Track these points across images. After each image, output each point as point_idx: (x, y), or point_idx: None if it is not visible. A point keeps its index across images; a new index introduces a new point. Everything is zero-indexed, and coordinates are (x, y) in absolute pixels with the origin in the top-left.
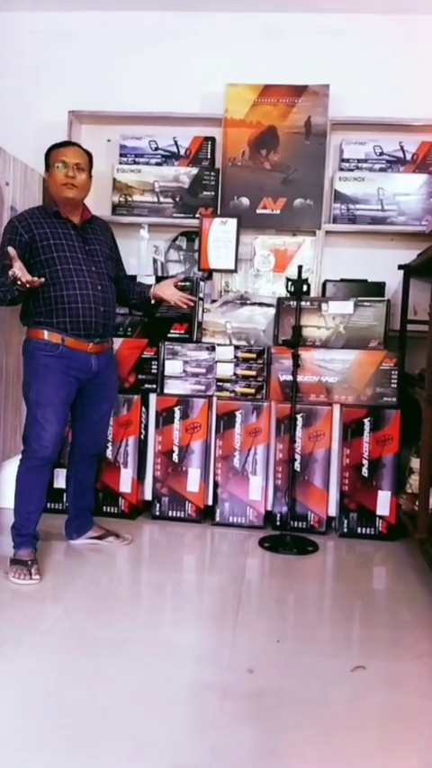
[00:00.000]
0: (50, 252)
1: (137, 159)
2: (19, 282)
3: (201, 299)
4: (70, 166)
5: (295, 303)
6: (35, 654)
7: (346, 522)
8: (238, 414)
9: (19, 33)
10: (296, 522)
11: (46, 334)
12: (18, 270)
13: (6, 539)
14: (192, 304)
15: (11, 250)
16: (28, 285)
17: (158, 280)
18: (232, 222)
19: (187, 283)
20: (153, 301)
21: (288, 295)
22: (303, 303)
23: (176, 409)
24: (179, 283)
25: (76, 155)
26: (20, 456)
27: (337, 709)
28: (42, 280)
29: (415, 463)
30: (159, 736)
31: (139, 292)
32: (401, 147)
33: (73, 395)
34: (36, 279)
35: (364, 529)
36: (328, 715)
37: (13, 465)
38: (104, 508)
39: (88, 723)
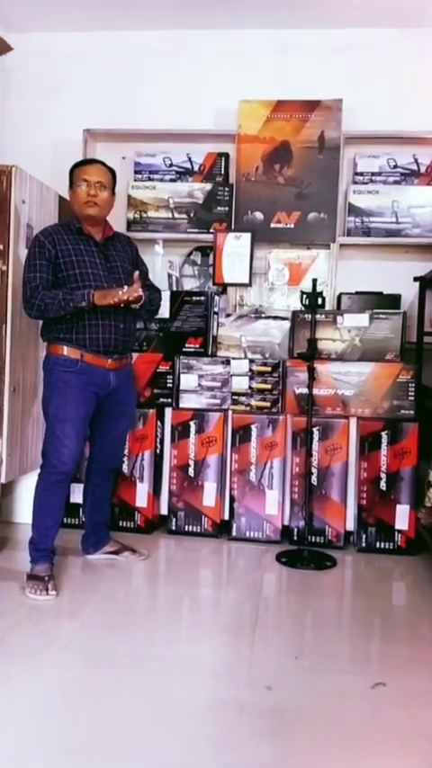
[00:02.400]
0: (72, 268)
1: (151, 176)
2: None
3: (215, 313)
4: (92, 184)
5: (310, 316)
6: (52, 669)
7: (364, 536)
8: (253, 427)
9: (34, 54)
10: (314, 537)
11: (65, 350)
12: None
13: (23, 554)
14: (135, 295)
15: (136, 274)
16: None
17: (173, 295)
18: (246, 237)
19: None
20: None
21: (303, 308)
22: (318, 316)
23: (192, 423)
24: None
25: (98, 173)
26: (37, 471)
27: (356, 727)
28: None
29: None
30: (177, 753)
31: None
32: (415, 160)
33: (92, 411)
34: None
35: (382, 543)
36: (347, 733)
37: (29, 480)
38: (120, 523)
39: (105, 738)
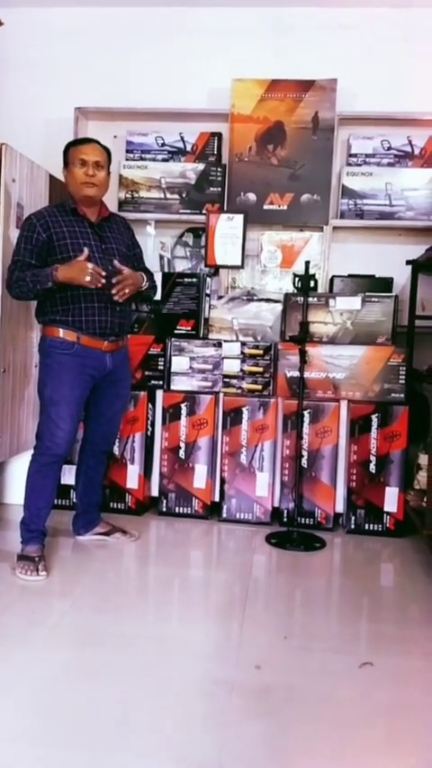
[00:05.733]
0: (67, 251)
1: (143, 155)
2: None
3: (207, 295)
4: (89, 165)
5: (302, 299)
6: (43, 649)
7: (353, 518)
8: (244, 410)
9: (25, 30)
10: (303, 519)
11: (61, 333)
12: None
13: (14, 534)
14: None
15: (86, 250)
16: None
17: (165, 276)
18: (239, 218)
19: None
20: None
21: (295, 291)
22: (311, 299)
23: (183, 405)
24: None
25: (95, 152)
26: (28, 452)
27: (344, 706)
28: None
29: (423, 459)
30: (168, 732)
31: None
32: (410, 142)
33: (87, 393)
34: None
35: (371, 525)
36: (335, 711)
37: (20, 461)
38: (111, 504)
39: (96, 718)
